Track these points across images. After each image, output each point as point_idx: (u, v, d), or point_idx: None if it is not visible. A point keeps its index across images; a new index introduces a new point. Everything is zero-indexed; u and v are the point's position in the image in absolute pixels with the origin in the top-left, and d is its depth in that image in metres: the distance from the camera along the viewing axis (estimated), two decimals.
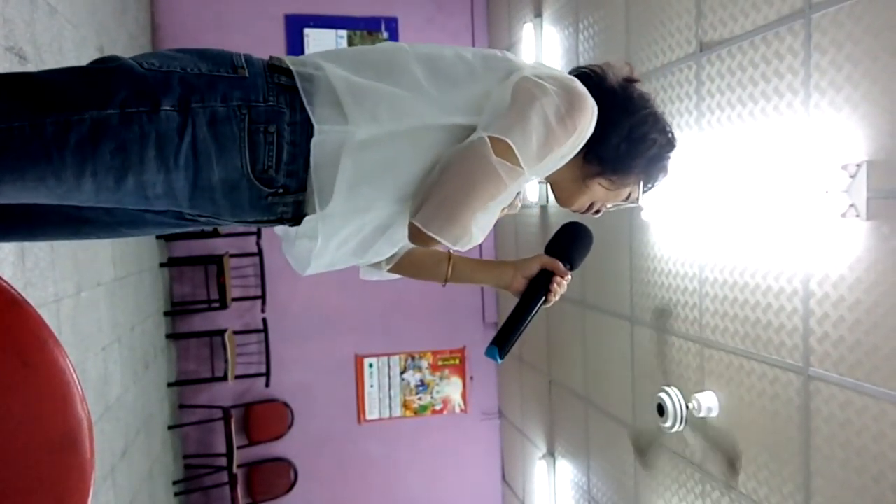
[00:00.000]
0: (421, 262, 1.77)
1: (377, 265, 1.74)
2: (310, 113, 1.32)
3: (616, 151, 1.54)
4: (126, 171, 1.23)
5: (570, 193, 1.64)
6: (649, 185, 1.67)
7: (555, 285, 1.65)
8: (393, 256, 1.72)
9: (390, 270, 1.76)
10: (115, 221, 1.47)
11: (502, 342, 1.58)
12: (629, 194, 1.65)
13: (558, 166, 1.50)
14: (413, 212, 1.37)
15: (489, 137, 1.35)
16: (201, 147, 1.26)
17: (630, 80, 1.60)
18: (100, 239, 1.65)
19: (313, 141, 1.32)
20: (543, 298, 1.65)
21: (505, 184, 1.37)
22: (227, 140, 1.27)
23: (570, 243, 1.71)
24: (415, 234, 1.38)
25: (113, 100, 1.21)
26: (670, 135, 1.63)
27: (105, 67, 1.27)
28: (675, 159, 1.67)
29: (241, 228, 5.64)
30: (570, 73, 1.58)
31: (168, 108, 1.23)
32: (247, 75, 1.32)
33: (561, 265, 1.66)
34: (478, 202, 1.37)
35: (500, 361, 1.58)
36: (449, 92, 1.40)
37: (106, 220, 1.46)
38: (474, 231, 1.40)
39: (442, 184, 1.36)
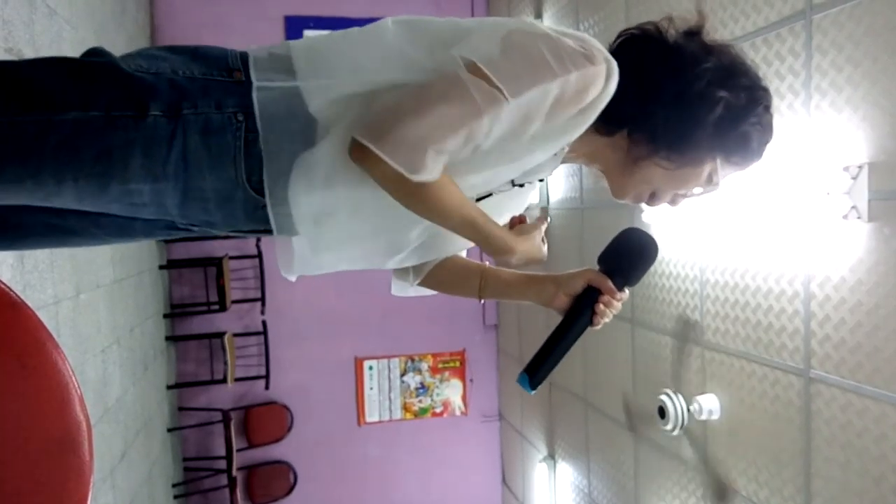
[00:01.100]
0: (452, 276, 1.55)
1: (405, 277, 1.56)
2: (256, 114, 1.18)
3: (665, 122, 1.26)
4: (109, 178, 1.15)
5: (621, 182, 1.37)
6: (739, 160, 1.33)
7: (601, 306, 1.37)
8: (421, 269, 1.53)
9: (420, 284, 1.56)
10: (103, 233, 1.35)
11: (534, 370, 1.35)
12: (710, 175, 1.33)
13: (561, 128, 1.23)
14: (357, 128, 1.15)
15: (460, 57, 1.15)
16: (192, 157, 1.16)
17: (691, 33, 1.30)
18: (86, 246, 1.50)
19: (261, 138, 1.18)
20: (589, 322, 1.38)
21: (479, 107, 1.12)
22: (221, 151, 1.17)
23: (626, 256, 1.41)
24: (355, 151, 1.14)
25: (97, 101, 1.13)
26: (757, 92, 1.29)
27: (90, 63, 1.18)
28: (772, 121, 1.34)
29: None
30: (616, 38, 1.35)
31: (157, 113, 1.14)
32: (243, 79, 1.20)
33: (610, 283, 1.36)
34: (442, 121, 1.12)
35: (532, 393, 1.35)
36: (428, 56, 1.20)
37: (93, 232, 1.35)
38: (457, 178, 1.19)
39: (398, 97, 1.15)
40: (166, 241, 6.01)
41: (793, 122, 2.76)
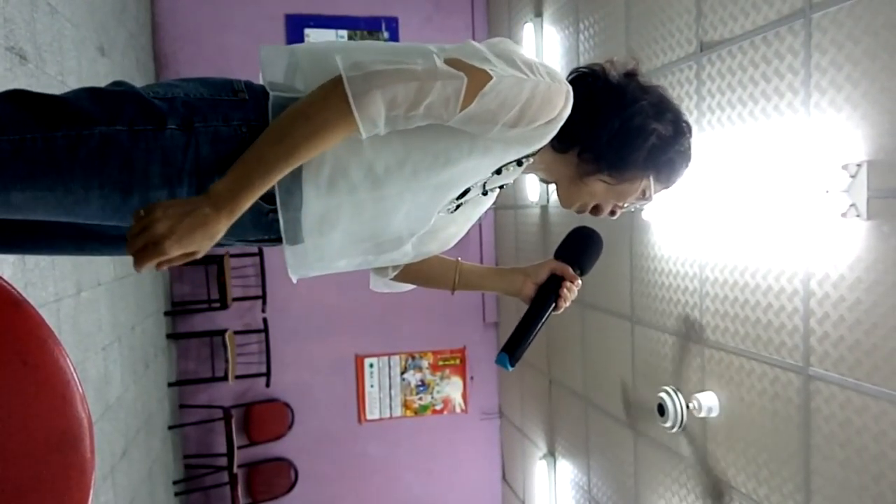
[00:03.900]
0: (427, 270, 1.72)
1: (383, 273, 1.70)
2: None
3: (609, 146, 1.48)
4: (131, 187, 1.25)
5: (569, 193, 1.58)
6: (665, 179, 1.59)
7: (565, 290, 1.61)
8: (397, 265, 1.68)
9: (396, 279, 1.72)
10: (121, 236, 1.44)
11: (513, 349, 1.54)
12: (643, 191, 1.57)
13: (526, 138, 1.38)
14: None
15: (443, 51, 1.31)
16: (204, 165, 1.28)
17: (630, 74, 1.54)
18: (102, 255, 1.63)
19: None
20: (554, 304, 1.61)
21: (435, 71, 1.25)
22: (229, 159, 1.27)
23: (579, 248, 1.67)
24: (331, 85, 1.24)
25: (121, 117, 1.25)
26: (681, 125, 1.56)
27: (114, 90, 1.31)
28: (693, 149, 1.61)
29: None
30: (568, 75, 1.55)
31: (173, 126, 1.26)
32: (247, 98, 1.34)
33: (571, 270, 1.62)
34: (401, 74, 1.23)
35: (510, 369, 1.54)
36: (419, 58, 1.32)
37: (112, 234, 1.47)
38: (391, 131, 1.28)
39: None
40: None
41: (792, 120, 2.77)
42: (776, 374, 2.94)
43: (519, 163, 1.49)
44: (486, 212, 1.72)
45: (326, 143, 1.24)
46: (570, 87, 1.40)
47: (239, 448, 6.05)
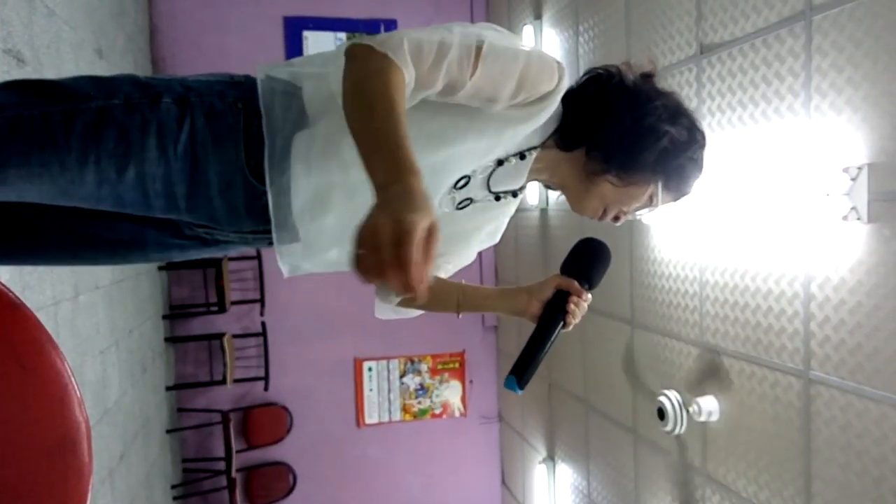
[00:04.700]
0: (432, 293, 1.66)
1: (387, 297, 1.65)
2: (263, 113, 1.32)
3: (619, 144, 1.44)
4: (128, 160, 1.26)
5: (578, 195, 1.54)
6: (674, 188, 1.54)
7: (572, 306, 1.53)
8: None
9: (401, 304, 1.69)
10: (116, 240, 1.47)
11: (521, 372, 1.47)
12: (650, 197, 1.53)
13: (524, 115, 1.39)
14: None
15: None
16: (199, 137, 1.29)
17: (646, 76, 1.50)
18: (97, 265, 1.64)
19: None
20: (562, 322, 1.53)
21: (452, 34, 1.31)
22: (223, 133, 1.31)
23: (586, 261, 1.57)
24: (358, 49, 1.23)
25: (118, 94, 1.28)
26: (696, 133, 1.51)
27: (112, 75, 1.34)
28: (706, 158, 1.55)
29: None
30: (583, 74, 1.54)
31: (168, 100, 1.29)
32: (243, 81, 1.37)
33: (577, 284, 1.53)
34: (420, 32, 1.30)
35: (520, 392, 1.48)
36: None
37: (105, 238, 1.47)
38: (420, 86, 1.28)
39: None
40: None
41: (792, 123, 2.76)
42: (776, 377, 2.94)
43: (521, 156, 1.47)
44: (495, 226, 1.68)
45: (394, 90, 1.17)
46: (563, 66, 1.41)
47: (237, 452, 6.04)
